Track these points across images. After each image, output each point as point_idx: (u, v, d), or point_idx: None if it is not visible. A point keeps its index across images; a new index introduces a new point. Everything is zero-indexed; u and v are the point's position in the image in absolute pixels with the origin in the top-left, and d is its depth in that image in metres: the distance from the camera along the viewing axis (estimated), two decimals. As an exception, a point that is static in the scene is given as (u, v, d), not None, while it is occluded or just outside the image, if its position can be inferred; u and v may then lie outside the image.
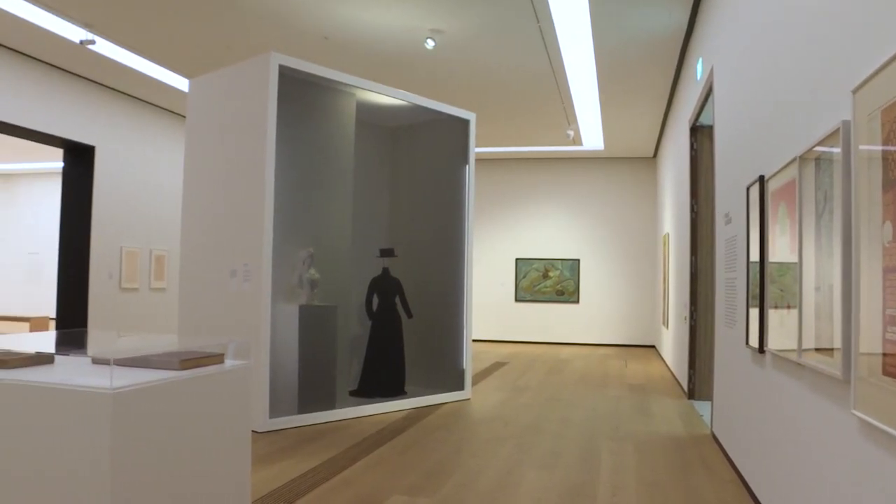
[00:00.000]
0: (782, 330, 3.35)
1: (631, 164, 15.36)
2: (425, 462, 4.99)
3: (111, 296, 10.88)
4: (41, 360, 2.64)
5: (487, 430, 6.12)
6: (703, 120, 7.37)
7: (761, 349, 3.87)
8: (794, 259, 3.08)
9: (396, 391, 7.35)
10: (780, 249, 3.40)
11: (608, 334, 15.21)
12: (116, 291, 11.00)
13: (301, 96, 6.59)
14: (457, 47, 8.46)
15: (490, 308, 15.62)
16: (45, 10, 7.71)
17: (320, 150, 6.77)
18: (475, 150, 8.00)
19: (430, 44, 8.10)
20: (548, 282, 15.45)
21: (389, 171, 8.44)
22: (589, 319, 15.30)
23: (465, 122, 7.95)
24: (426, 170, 8.20)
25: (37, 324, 15.13)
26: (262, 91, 6.02)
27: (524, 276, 15.58)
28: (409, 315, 7.61)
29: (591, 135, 13.09)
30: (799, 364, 3.05)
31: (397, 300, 7.52)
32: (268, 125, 5.94)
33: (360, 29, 7.93)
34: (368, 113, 7.64)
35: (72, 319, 10.43)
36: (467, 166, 7.92)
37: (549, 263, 15.47)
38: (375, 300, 7.48)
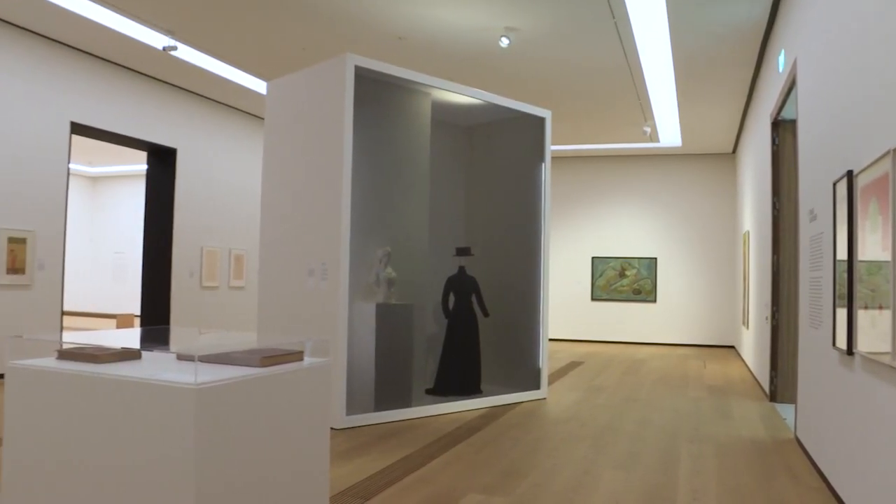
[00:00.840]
0: (874, 332, 3.22)
1: (709, 160, 15.03)
2: (501, 461, 4.98)
3: (192, 294, 11.18)
4: (130, 355, 2.72)
5: (563, 430, 6.06)
6: (786, 114, 7.15)
7: (850, 351, 3.73)
8: (887, 258, 2.96)
9: (472, 390, 7.34)
10: (871, 247, 3.28)
11: (686, 334, 14.93)
12: (197, 289, 11.29)
13: (377, 97, 6.65)
14: (531, 45, 8.41)
15: (565, 307, 15.50)
16: (131, 19, 7.97)
17: (397, 150, 6.82)
18: (551, 147, 7.93)
19: (504, 42, 8.07)
20: (624, 280, 15.25)
21: (465, 170, 8.45)
22: (666, 319, 15.04)
23: (541, 120, 7.89)
24: (502, 168, 8.18)
25: (122, 320, 15.65)
26: (338, 92, 6.08)
27: (600, 275, 15.41)
28: (486, 314, 7.60)
29: (669, 131, 12.86)
30: (893, 367, 2.92)
31: (473, 299, 7.51)
32: (345, 126, 6.00)
33: (434, 28, 7.96)
34: (444, 112, 7.65)
35: (155, 316, 10.74)
36: (543, 164, 7.86)
37: (626, 262, 15.26)
38: (451, 299, 7.49)
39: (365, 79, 6.36)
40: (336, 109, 6.09)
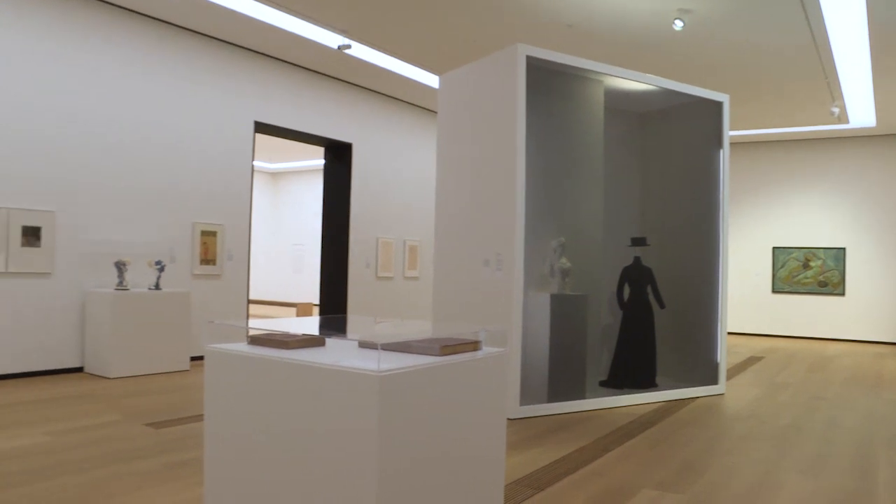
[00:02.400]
0: None
1: (907, 142, 13.90)
2: (676, 457, 4.83)
3: (368, 283, 11.57)
4: (315, 342, 2.84)
5: (742, 428, 5.80)
6: None
7: None
8: None
9: (647, 383, 7.17)
10: None
11: (880, 330, 13.88)
12: (373, 279, 11.67)
13: (548, 86, 6.60)
14: (707, 26, 8.08)
15: (743, 299, 14.83)
16: (307, 21, 8.34)
17: (570, 139, 6.75)
18: (729, 133, 7.59)
19: (678, 24, 7.80)
20: (809, 272, 14.38)
21: (639, 158, 8.24)
22: (857, 313, 14.05)
23: (718, 105, 7.57)
24: (678, 155, 7.91)
25: (302, 309, 16.44)
26: (510, 82, 6.09)
27: (782, 266, 14.62)
28: (662, 305, 7.39)
29: (860, 111, 11.98)
30: None
31: (649, 290, 7.33)
32: (517, 116, 6.00)
33: (604, 14, 7.80)
34: (617, 99, 7.49)
35: (333, 305, 11.20)
36: (721, 151, 7.54)
37: (811, 252, 14.39)
38: (627, 290, 7.34)
39: (536, 68, 6.34)
40: (508, 100, 6.10)
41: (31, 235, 7.37)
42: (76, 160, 7.71)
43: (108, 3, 7.93)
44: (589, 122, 6.84)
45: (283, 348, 2.72)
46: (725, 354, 7.52)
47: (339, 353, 2.68)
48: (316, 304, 16.88)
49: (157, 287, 8.04)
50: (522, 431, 5.49)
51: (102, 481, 4.04)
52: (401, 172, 12.27)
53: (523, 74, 6.04)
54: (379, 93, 11.76)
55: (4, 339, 7.21)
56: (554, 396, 6.30)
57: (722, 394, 7.40)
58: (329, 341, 2.97)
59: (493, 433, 2.92)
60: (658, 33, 8.34)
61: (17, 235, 7.25)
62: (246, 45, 9.40)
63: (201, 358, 8.81)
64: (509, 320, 5.93)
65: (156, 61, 8.44)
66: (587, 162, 6.82)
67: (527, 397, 6.16)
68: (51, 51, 7.52)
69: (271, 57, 9.84)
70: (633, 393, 6.86)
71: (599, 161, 6.87)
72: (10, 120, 7.21)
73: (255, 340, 2.84)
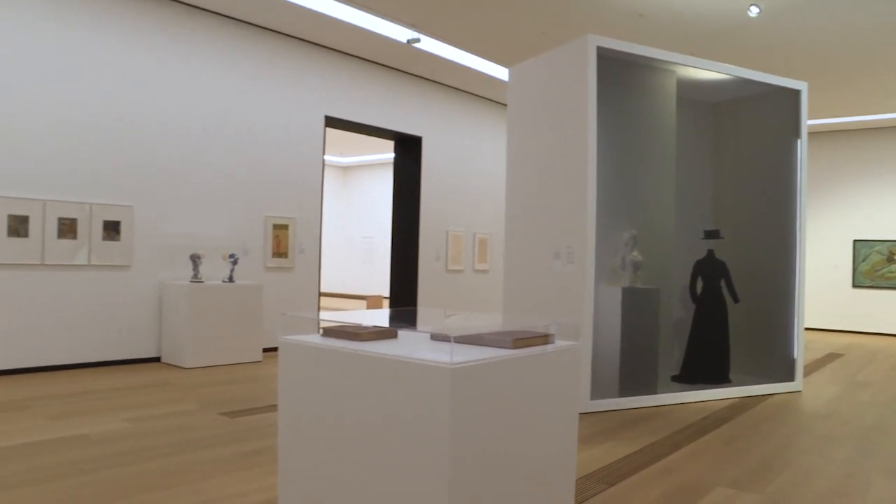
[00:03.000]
0: None
1: None
2: (752, 455, 4.72)
3: (438, 276, 11.60)
4: (387, 334, 2.86)
5: (821, 427, 5.64)
6: None
7: None
8: None
9: (720, 378, 7.03)
10: None
11: (967, 326, 13.34)
12: (443, 272, 11.71)
13: (619, 77, 6.51)
14: (784, 12, 7.85)
15: (821, 294, 14.40)
16: (376, 15, 8.39)
17: (641, 131, 6.65)
18: (807, 122, 7.37)
19: (753, 11, 7.60)
20: (893, 266, 13.88)
21: (713, 149, 8.06)
22: (942, 309, 13.52)
23: (795, 93, 7.36)
24: (753, 146, 7.71)
25: (372, 301, 16.58)
26: (580, 74, 6.02)
27: (864, 260, 14.14)
28: (736, 299, 7.23)
29: (947, 99, 11.52)
30: None
31: (722, 284, 7.18)
32: (588, 108, 5.93)
33: (676, 2, 7.65)
34: (689, 89, 7.34)
35: (402, 298, 11.27)
36: (798, 140, 7.33)
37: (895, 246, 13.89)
38: (699, 283, 7.21)
39: (607, 59, 6.25)
40: (579, 92, 6.04)
41: (112, 229, 7.60)
42: (153, 157, 7.92)
43: (183, 3, 8.11)
44: (661, 113, 6.72)
45: (355, 340, 2.74)
46: (802, 350, 7.32)
47: (412, 346, 2.69)
48: (386, 297, 17.04)
49: (230, 280, 8.21)
50: (593, 426, 5.44)
51: (180, 467, 4.14)
52: (470, 165, 12.27)
53: (594, 65, 5.97)
54: (448, 86, 11.77)
55: (87, 329, 7.46)
56: (625, 391, 6.23)
57: (799, 391, 7.20)
58: (401, 333, 2.99)
59: (564, 427, 2.89)
60: (732, 20, 8.14)
61: (98, 229, 7.49)
62: (317, 42, 9.51)
63: (273, 349, 8.96)
64: (581, 314, 5.88)
65: (229, 59, 8.61)
66: (659, 153, 6.71)
67: (597, 391, 6.10)
68: (128, 52, 7.73)
69: (342, 52, 9.93)
70: (706, 388, 6.73)
71: (671, 152, 6.75)
72: (91, 120, 7.45)
73: (329, 332, 2.87)
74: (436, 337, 2.86)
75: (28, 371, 7.08)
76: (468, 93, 12.20)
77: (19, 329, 7.02)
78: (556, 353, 2.80)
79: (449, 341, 2.73)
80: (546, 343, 2.84)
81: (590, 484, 3.98)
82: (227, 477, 3.99)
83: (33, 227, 7.07)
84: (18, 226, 6.97)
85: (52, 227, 7.18)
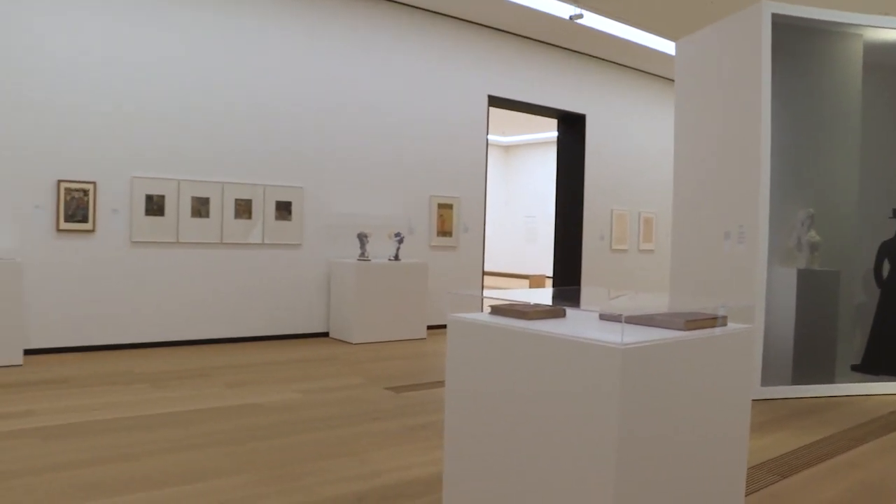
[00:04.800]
0: None
1: None
2: (949, 452, 4.36)
3: (602, 256, 11.44)
4: (555, 313, 2.83)
5: None
6: None
7: None
8: None
9: (907, 369, 6.54)
10: None
11: None
12: (607, 252, 11.53)
13: (796, 45, 6.13)
14: None
15: None
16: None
17: (821, 102, 6.24)
18: None
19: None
20: None
21: (901, 121, 7.45)
22: None
23: None
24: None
25: (535, 281, 16.56)
26: (753, 44, 5.72)
27: None
28: (925, 284, 6.70)
29: None
30: None
31: (911, 267, 6.66)
32: (762, 80, 5.63)
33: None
34: (878, 54, 6.80)
35: (566, 277, 11.19)
36: None
37: None
38: (886, 266, 6.71)
39: (782, 27, 5.89)
40: (752, 63, 5.74)
41: (284, 210, 7.97)
42: (321, 139, 8.23)
43: (351, -13, 8.37)
44: (844, 82, 6.28)
45: (523, 318, 2.74)
46: None
47: (580, 325, 2.65)
48: (548, 277, 16.97)
49: (396, 258, 8.42)
50: (764, 414, 5.20)
51: (348, 438, 4.31)
52: (636, 143, 11.97)
53: (768, 34, 5.65)
54: (612, 62, 11.51)
55: (262, 305, 7.88)
56: (799, 378, 5.91)
57: None
58: (569, 312, 2.96)
59: (736, 413, 2.78)
60: (928, -19, 7.47)
61: (271, 210, 7.87)
62: (479, 21, 9.53)
63: (437, 327, 9.14)
64: (752, 296, 5.62)
65: (393, 40, 8.79)
66: (841, 126, 6.27)
67: (769, 378, 5.82)
68: (299, 42, 8.04)
69: (504, 31, 9.91)
70: (892, 380, 6.27)
71: (856, 124, 6.29)
72: (264, 106, 7.82)
73: (496, 310, 2.88)
74: (605, 316, 2.80)
75: (208, 342, 7.57)
76: (632, 68, 11.88)
77: (201, 304, 7.51)
78: (729, 336, 2.69)
79: (618, 321, 2.67)
80: (718, 325, 2.73)
81: (761, 474, 3.81)
82: (393, 449, 4.11)
83: (213, 208, 7.52)
84: (200, 207, 7.44)
85: (230, 208, 7.62)
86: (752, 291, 5.63)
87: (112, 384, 5.56)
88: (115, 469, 3.63)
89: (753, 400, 5.55)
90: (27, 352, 6.55)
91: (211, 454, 3.92)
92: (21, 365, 6.18)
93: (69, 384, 5.52)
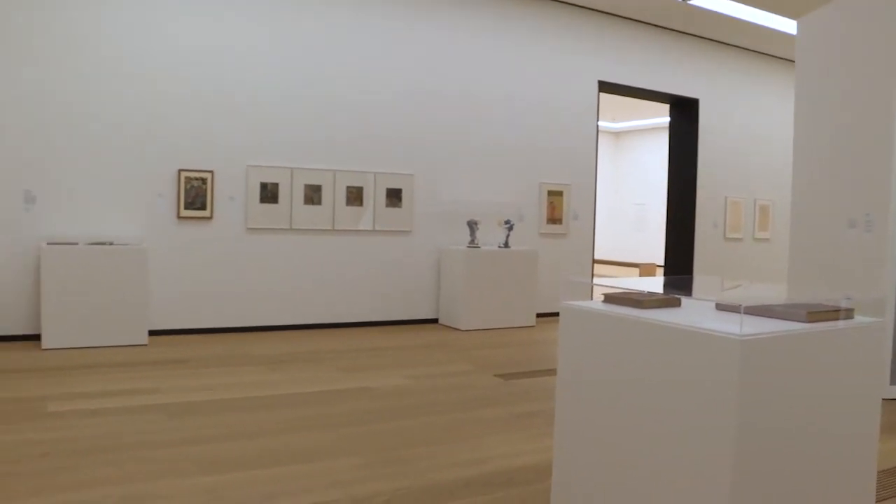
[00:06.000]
0: None
1: None
2: None
3: (715, 245, 11.11)
4: (670, 303, 2.76)
5: None
6: None
7: None
8: None
9: None
10: None
11: None
12: (720, 240, 11.18)
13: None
14: None
15: None
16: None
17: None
18: None
19: None
20: None
21: None
22: None
23: None
24: None
25: (645, 269, 16.25)
26: (882, 21, 5.40)
27: None
28: None
29: None
30: None
31: None
32: (893, 58, 5.32)
33: None
34: None
35: (677, 266, 10.92)
36: None
37: None
38: None
39: (919, 2, 5.55)
40: (882, 40, 5.43)
41: (394, 197, 8.07)
42: (431, 126, 8.28)
43: (461, -26, 8.37)
44: None
45: (638, 307, 2.68)
46: None
47: (696, 315, 2.57)
48: (659, 265, 16.64)
49: (506, 245, 8.41)
50: (894, 413, 4.93)
51: (457, 424, 4.33)
52: (752, 127, 11.54)
53: (903, 10, 5.33)
54: (727, 44, 11.12)
55: (372, 291, 8.02)
56: (932, 375, 5.58)
57: None
58: (685, 302, 2.88)
59: (864, 413, 2.64)
60: None
61: (382, 197, 7.98)
62: (588, 5, 9.37)
63: (547, 315, 9.08)
64: (879, 288, 5.33)
65: (502, 27, 8.74)
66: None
67: (899, 374, 5.52)
68: (408, 28, 8.10)
69: (614, 15, 9.72)
70: None
71: None
72: (374, 94, 7.92)
73: (610, 299, 2.83)
74: (722, 307, 2.71)
75: (320, 327, 7.76)
76: (749, 50, 11.45)
77: (313, 289, 7.70)
78: (856, 330, 2.55)
79: (736, 311, 2.58)
80: (843, 318, 2.59)
81: (893, 480, 3.61)
82: (501, 436, 4.11)
83: (325, 195, 7.69)
84: (312, 194, 7.62)
85: (342, 196, 7.77)
86: (880, 283, 5.34)
87: (230, 365, 5.78)
88: (234, 446, 3.77)
89: (884, 399, 5.29)
90: (151, 332, 6.89)
91: (324, 435, 4.02)
92: (146, 345, 6.49)
93: (190, 364, 5.77)
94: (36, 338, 6.50)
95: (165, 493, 3.14)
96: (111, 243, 6.55)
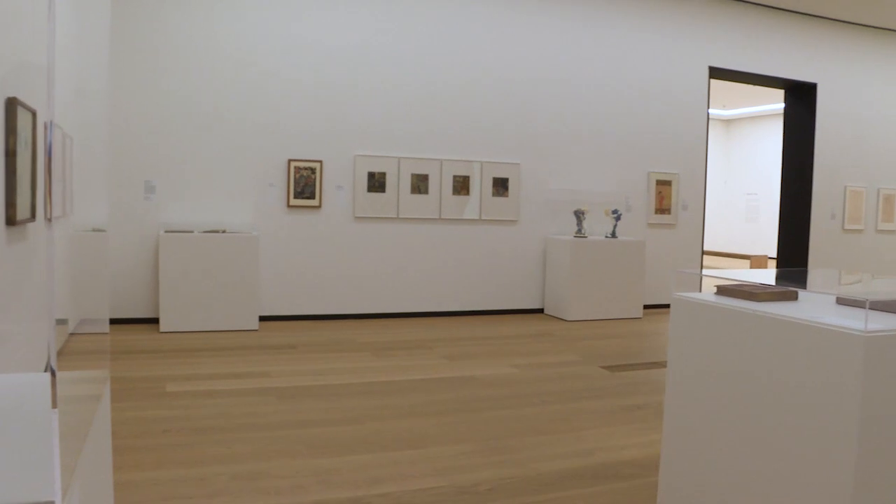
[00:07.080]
0: None
1: None
2: None
3: (832, 236, 10.63)
4: (787, 296, 2.66)
5: None
6: None
7: None
8: None
9: None
10: None
11: None
12: (838, 232, 10.69)
13: None
14: None
15: None
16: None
17: None
18: None
19: None
20: None
21: None
22: None
23: None
24: None
25: (756, 261, 15.72)
26: None
27: None
28: None
29: None
30: None
31: None
32: None
33: None
34: None
35: (791, 258, 10.52)
36: None
37: None
38: None
39: None
40: None
41: (500, 186, 8.06)
42: (537, 115, 8.22)
43: (569, -40, 8.26)
44: None
45: (752, 300, 2.59)
46: None
47: (815, 309, 2.47)
48: (771, 257, 16.05)
49: (613, 235, 8.28)
50: None
51: (562, 414, 4.30)
52: (875, 112, 10.97)
53: None
54: (848, 22, 10.58)
55: (478, 280, 8.04)
56: None
57: None
58: (802, 295, 2.76)
59: None
60: None
61: (488, 186, 7.98)
62: (702, -12, 9.11)
63: (654, 306, 8.90)
64: None
65: (611, 13, 8.59)
66: None
67: None
68: (513, 13, 8.06)
69: (726, -3, 9.41)
70: None
71: None
72: (481, 83, 7.92)
73: (723, 290, 2.75)
74: (843, 301, 2.59)
75: (426, 315, 7.83)
76: (873, 27, 10.85)
77: (419, 277, 7.78)
78: None
79: (860, 307, 2.46)
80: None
81: None
82: (608, 428, 4.06)
83: (432, 184, 7.75)
84: (419, 184, 7.68)
85: (448, 185, 7.81)
86: None
87: (337, 352, 5.91)
88: (341, 430, 3.86)
89: None
90: (261, 318, 7.11)
91: (430, 422, 4.06)
92: (257, 330, 6.70)
93: (299, 350, 5.92)
94: (154, 321, 6.81)
95: (276, 472, 3.24)
96: (224, 231, 6.79)
